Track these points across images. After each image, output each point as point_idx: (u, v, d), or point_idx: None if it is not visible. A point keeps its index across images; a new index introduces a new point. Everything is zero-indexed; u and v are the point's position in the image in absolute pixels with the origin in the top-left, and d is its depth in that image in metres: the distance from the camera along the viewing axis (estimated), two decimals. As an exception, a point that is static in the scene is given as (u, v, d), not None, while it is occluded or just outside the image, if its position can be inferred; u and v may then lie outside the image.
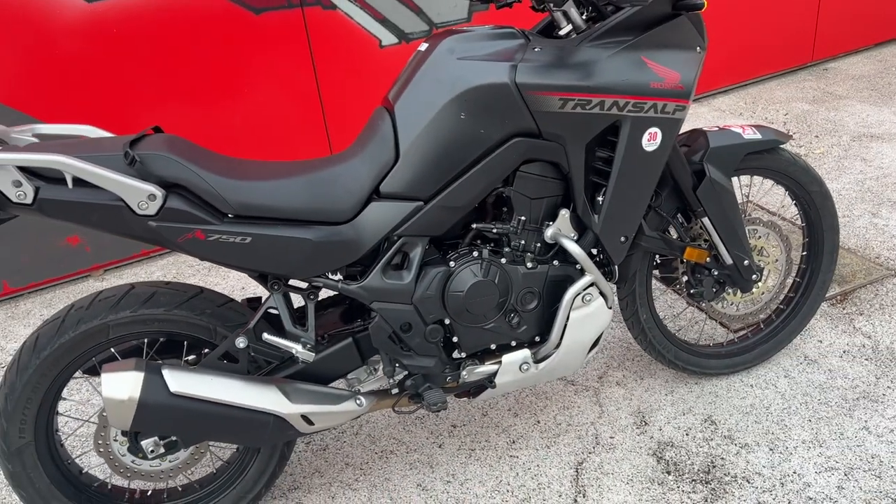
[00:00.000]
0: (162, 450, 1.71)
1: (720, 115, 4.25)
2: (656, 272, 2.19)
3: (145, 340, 1.76)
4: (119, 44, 3.00)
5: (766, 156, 2.07)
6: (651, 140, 1.73)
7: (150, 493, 1.90)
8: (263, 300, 1.74)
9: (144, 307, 1.68)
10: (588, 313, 1.85)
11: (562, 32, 1.76)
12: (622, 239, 1.83)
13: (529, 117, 1.65)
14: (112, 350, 1.74)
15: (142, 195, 1.49)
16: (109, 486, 1.86)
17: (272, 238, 1.60)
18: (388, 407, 1.87)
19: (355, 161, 1.70)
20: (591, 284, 1.83)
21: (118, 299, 1.68)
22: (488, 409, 2.27)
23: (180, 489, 1.92)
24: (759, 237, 2.17)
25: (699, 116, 4.27)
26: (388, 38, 3.57)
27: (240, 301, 1.84)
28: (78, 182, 1.48)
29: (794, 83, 4.61)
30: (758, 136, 2.02)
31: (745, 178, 3.17)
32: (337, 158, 1.72)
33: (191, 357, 1.82)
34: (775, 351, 2.33)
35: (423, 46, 1.75)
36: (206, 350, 1.80)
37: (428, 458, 2.11)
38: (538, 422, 2.19)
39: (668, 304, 2.67)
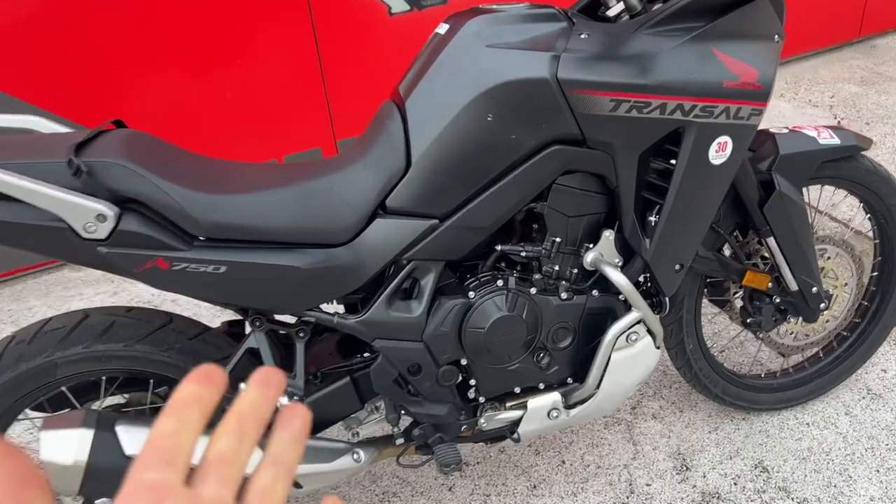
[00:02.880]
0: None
1: (758, 96, 3.90)
2: (706, 293, 1.89)
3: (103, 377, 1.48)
4: (94, 4, 2.66)
5: (842, 163, 1.76)
6: (720, 151, 1.42)
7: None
8: (244, 337, 1.44)
9: (99, 342, 1.39)
10: (632, 354, 1.56)
11: (610, 13, 1.44)
12: (677, 267, 1.53)
13: (572, 121, 1.34)
14: (63, 388, 1.46)
15: (88, 215, 1.19)
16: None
17: (252, 266, 1.30)
18: (392, 457, 1.59)
19: (357, 168, 1.39)
20: (638, 321, 1.53)
21: (68, 332, 1.39)
22: (506, 446, 1.98)
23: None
24: (828, 258, 1.86)
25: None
26: (398, 5, 3.21)
27: (218, 327, 1.56)
28: (6, 196, 1.18)
29: (840, 61, 4.24)
30: (836, 140, 1.70)
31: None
32: (334, 164, 1.42)
33: (161, 389, 1.55)
34: (835, 384, 2.04)
35: (443, 28, 1.43)
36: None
37: (436, 503, 1.84)
38: (563, 462, 1.91)
39: (709, 319, 2.37)
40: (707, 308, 1.89)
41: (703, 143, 1.39)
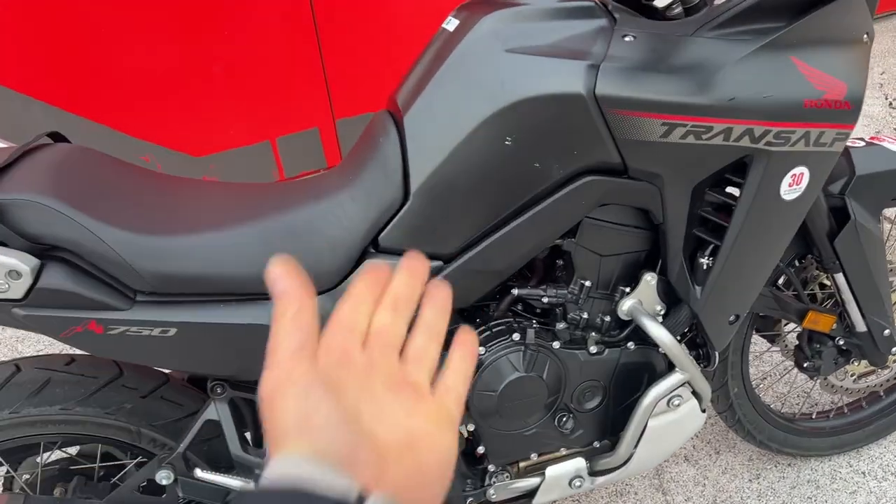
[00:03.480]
0: None
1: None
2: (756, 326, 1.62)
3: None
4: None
5: (927, 182, 1.47)
6: (794, 184, 1.14)
7: None
8: (203, 405, 1.19)
9: (31, 405, 1.15)
10: (674, 420, 1.31)
11: (658, 3, 1.15)
12: (731, 318, 1.27)
13: (612, 147, 1.07)
14: (-6, 453, 1.23)
15: (-4, 271, 0.94)
16: None
17: (210, 328, 1.05)
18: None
19: (343, 197, 1.13)
20: (683, 384, 1.27)
21: (-8, 392, 1.15)
22: (518, 493, 1.75)
23: None
24: (903, 291, 1.59)
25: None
26: (406, -32, 2.89)
27: (176, 376, 1.31)
28: None
29: (889, 31, 3.88)
30: (923, 157, 1.42)
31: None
32: (315, 191, 1.15)
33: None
34: (896, 427, 1.79)
35: (452, 23, 1.15)
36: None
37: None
38: (582, 513, 1.69)
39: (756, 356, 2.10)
40: (756, 344, 1.63)
41: (774, 176, 1.12)
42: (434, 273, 1.13)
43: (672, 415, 1.30)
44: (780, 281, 1.53)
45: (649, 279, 1.23)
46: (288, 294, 0.43)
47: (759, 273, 1.23)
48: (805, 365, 1.56)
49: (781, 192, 1.14)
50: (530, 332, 1.21)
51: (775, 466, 1.76)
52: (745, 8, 1.06)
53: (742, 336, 1.54)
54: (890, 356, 1.55)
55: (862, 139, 1.46)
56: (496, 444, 1.29)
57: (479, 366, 1.20)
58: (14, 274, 0.95)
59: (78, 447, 1.34)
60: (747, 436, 1.67)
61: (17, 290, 0.96)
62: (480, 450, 1.29)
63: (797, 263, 1.52)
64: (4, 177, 1.01)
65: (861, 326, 1.49)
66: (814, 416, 1.77)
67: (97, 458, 1.30)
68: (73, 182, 1.04)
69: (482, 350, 1.21)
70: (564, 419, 1.29)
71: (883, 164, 1.39)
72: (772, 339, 1.65)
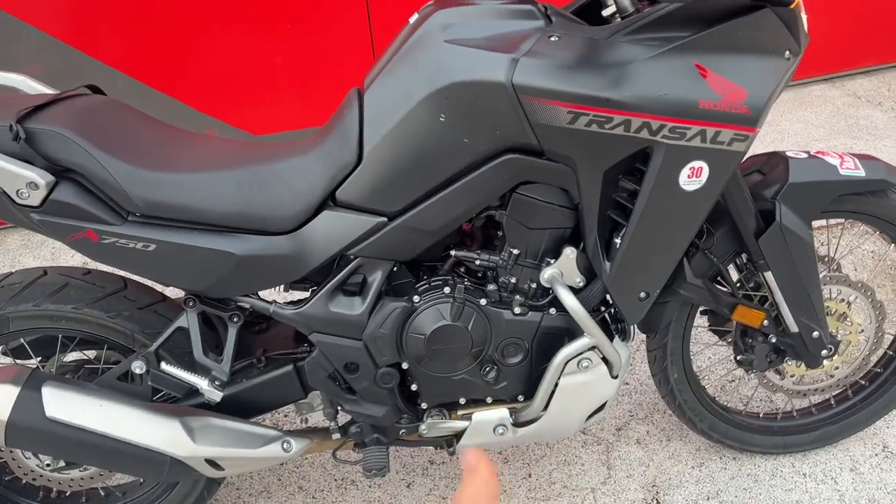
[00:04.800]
0: (61, 463, 1.50)
1: (853, 102, 3.56)
2: (706, 319, 1.75)
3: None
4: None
5: (868, 197, 1.57)
6: (693, 177, 1.29)
7: (68, 493, 1.69)
8: (177, 314, 1.44)
9: (49, 301, 1.43)
10: (583, 381, 1.46)
11: (605, 12, 1.33)
12: (642, 295, 1.41)
13: (529, 130, 1.25)
14: (22, 340, 1.51)
15: (19, 182, 1.22)
16: (24, 482, 1.67)
17: (182, 248, 1.30)
18: (328, 450, 1.57)
19: (310, 156, 1.36)
20: (592, 348, 1.43)
21: (23, 288, 1.43)
22: (474, 450, 1.92)
23: (102, 493, 1.70)
24: (842, 300, 1.68)
25: (827, 101, 3.60)
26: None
27: (174, 299, 1.56)
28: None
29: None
30: (860, 173, 1.52)
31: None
32: (288, 150, 1.39)
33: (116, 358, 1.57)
34: (844, 435, 1.86)
35: (414, 17, 1.37)
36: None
37: (391, 497, 1.81)
38: (529, 475, 1.84)
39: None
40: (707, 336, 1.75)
41: (672, 167, 1.27)
42: (378, 228, 1.34)
43: (582, 376, 1.45)
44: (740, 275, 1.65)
45: (569, 253, 1.39)
46: (476, 471, 0.67)
47: (666, 256, 1.37)
48: (739, 358, 1.67)
49: (681, 183, 1.28)
50: (460, 288, 1.40)
51: (720, 458, 1.87)
52: (658, 17, 1.22)
53: (682, 325, 1.66)
54: (824, 360, 1.64)
55: (807, 152, 1.58)
56: (427, 384, 1.47)
57: (413, 311, 1.40)
58: (33, 185, 1.22)
59: (94, 352, 1.62)
60: (688, 422, 1.78)
61: (35, 198, 1.23)
62: (414, 387, 1.48)
63: (750, 265, 1.63)
64: (41, 112, 1.29)
65: (793, 327, 1.59)
66: (761, 416, 1.87)
67: (102, 360, 1.57)
68: (93, 122, 1.30)
69: (417, 298, 1.40)
70: (489, 370, 1.47)
71: (817, 174, 1.50)
72: (721, 335, 1.76)
